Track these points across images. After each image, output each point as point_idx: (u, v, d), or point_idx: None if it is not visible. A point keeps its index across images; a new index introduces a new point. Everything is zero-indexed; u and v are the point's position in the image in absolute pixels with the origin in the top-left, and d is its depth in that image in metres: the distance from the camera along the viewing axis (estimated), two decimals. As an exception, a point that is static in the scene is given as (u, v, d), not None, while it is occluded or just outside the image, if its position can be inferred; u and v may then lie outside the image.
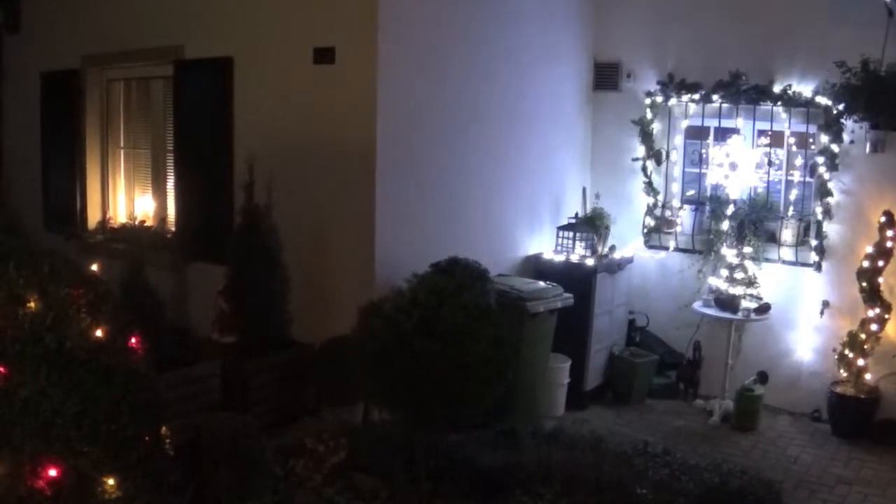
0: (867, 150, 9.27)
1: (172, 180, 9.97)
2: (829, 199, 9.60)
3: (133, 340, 5.08)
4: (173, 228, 10.05)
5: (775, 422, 9.61)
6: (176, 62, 9.47)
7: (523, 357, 8.30)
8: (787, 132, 9.98)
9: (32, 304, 4.59)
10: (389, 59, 7.94)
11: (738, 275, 9.65)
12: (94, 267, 5.59)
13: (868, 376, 9.28)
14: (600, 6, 10.90)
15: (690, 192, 10.72)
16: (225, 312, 8.34)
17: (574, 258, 9.91)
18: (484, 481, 6.88)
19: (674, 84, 10.42)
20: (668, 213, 10.70)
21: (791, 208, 10.02)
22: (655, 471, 7.34)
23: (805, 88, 9.63)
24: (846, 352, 9.33)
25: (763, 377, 9.60)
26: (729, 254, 9.82)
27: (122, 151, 11.03)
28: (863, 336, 9.23)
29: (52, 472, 4.32)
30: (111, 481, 4.55)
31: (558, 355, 9.32)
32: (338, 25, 8.16)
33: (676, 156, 10.75)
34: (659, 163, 10.70)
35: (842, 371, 9.38)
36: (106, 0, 10.22)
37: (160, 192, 10.41)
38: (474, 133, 9.09)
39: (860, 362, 9.24)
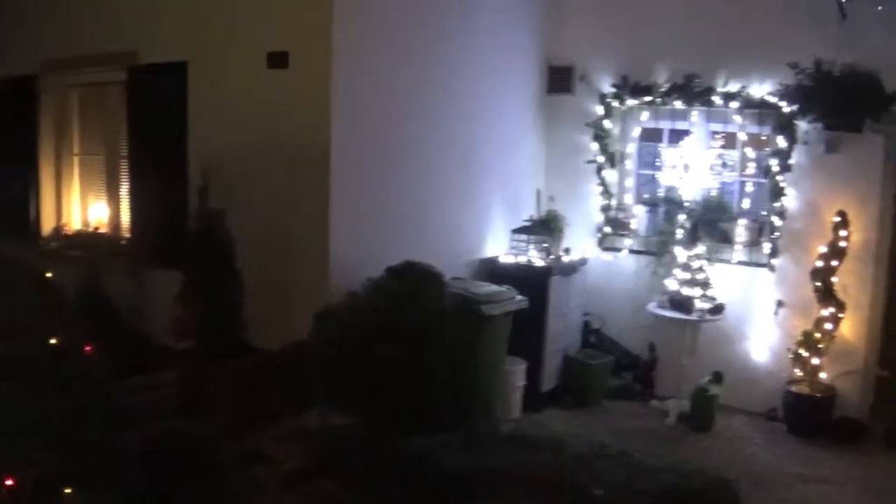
0: (821, 150, 9.26)
1: (127, 186, 9.75)
2: (783, 200, 9.58)
3: (90, 348, 4.94)
4: (128, 234, 9.84)
5: (731, 421, 9.53)
6: (130, 67, 9.25)
7: (480, 360, 8.18)
8: (741, 134, 9.94)
9: (-14, 312, 4.45)
10: (344, 64, 7.78)
11: (692, 275, 9.55)
12: (50, 274, 5.42)
13: (823, 375, 9.24)
14: (553, 10, 10.78)
15: (644, 194, 10.65)
16: (181, 318, 8.19)
17: (528, 261, 9.78)
18: (444, 484, 6.76)
19: (627, 86, 10.35)
20: (622, 214, 10.64)
21: (745, 209, 9.97)
22: (614, 472, 7.24)
23: (759, 90, 9.60)
24: (801, 351, 9.28)
25: (718, 377, 9.53)
26: (683, 255, 9.71)
27: (76, 158, 10.79)
28: (817, 335, 9.18)
29: (9, 482, 4.18)
30: (70, 490, 4.42)
31: (514, 358, 9.14)
32: (292, 29, 7.98)
33: (630, 158, 10.68)
34: (613, 165, 10.61)
35: (797, 370, 9.33)
36: (62, 6, 9.99)
37: (114, 199, 10.16)
38: (429, 136, 8.94)
39: (815, 361, 9.20)
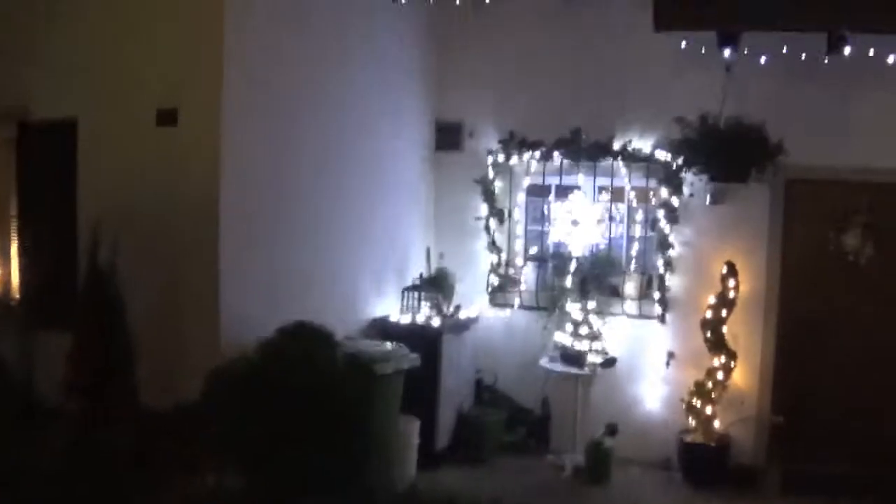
0: (707, 202, 9.39)
1: (16, 245, 9.43)
2: (671, 252, 9.69)
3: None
4: (18, 295, 9.50)
5: (627, 473, 9.44)
6: (20, 124, 8.98)
7: (373, 419, 8.03)
8: (628, 187, 9.99)
9: None
10: (233, 122, 7.57)
11: (583, 330, 9.49)
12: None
13: (717, 423, 9.23)
14: (441, 67, 10.77)
15: (533, 250, 10.59)
16: (72, 379, 7.92)
17: (420, 319, 9.60)
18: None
19: (515, 142, 10.30)
20: (511, 270, 10.54)
21: (633, 262, 10.00)
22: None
23: (645, 144, 9.70)
24: (694, 401, 9.27)
25: (612, 429, 9.43)
26: (573, 309, 9.66)
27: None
28: (709, 384, 9.19)
29: None
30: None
31: (408, 416, 8.93)
32: (182, 86, 7.75)
33: (519, 214, 10.62)
34: (501, 221, 10.53)
35: (690, 420, 9.31)
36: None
37: (4, 258, 9.81)
38: (319, 194, 8.77)
39: (708, 410, 9.19)
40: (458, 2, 9.75)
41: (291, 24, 8.23)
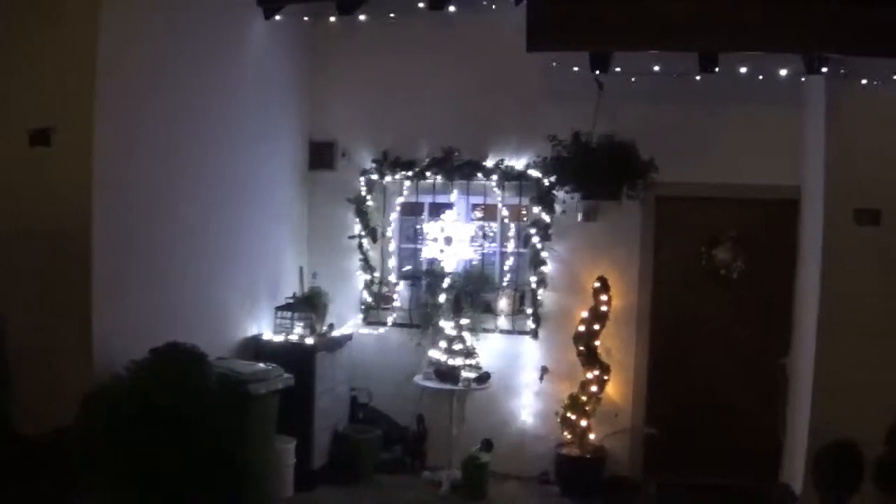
0: (579, 219, 9.36)
1: None
2: (544, 269, 9.66)
3: None
4: None
5: (504, 487, 9.35)
6: None
7: (248, 440, 7.82)
8: (500, 205, 9.94)
9: None
10: (106, 142, 7.26)
11: (457, 346, 9.37)
12: None
13: (592, 436, 9.23)
14: (315, 86, 10.57)
15: (407, 268, 10.46)
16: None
17: (293, 338, 9.39)
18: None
19: (388, 162, 10.17)
20: (385, 288, 10.39)
21: (507, 279, 9.93)
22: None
23: (518, 162, 9.68)
24: (568, 414, 9.23)
25: (488, 445, 9.35)
26: (447, 326, 9.55)
27: None
28: (584, 398, 9.17)
29: None
30: None
31: (283, 436, 8.72)
32: (55, 106, 7.46)
33: (392, 232, 10.48)
34: (375, 240, 10.36)
35: (566, 433, 9.28)
36: None
37: None
38: (192, 214, 8.48)
39: (583, 423, 9.17)
40: (332, 19, 9.68)
41: (166, 44, 7.98)
